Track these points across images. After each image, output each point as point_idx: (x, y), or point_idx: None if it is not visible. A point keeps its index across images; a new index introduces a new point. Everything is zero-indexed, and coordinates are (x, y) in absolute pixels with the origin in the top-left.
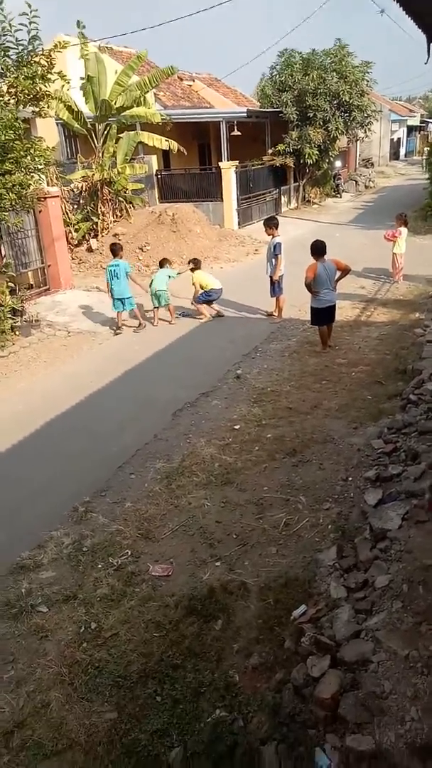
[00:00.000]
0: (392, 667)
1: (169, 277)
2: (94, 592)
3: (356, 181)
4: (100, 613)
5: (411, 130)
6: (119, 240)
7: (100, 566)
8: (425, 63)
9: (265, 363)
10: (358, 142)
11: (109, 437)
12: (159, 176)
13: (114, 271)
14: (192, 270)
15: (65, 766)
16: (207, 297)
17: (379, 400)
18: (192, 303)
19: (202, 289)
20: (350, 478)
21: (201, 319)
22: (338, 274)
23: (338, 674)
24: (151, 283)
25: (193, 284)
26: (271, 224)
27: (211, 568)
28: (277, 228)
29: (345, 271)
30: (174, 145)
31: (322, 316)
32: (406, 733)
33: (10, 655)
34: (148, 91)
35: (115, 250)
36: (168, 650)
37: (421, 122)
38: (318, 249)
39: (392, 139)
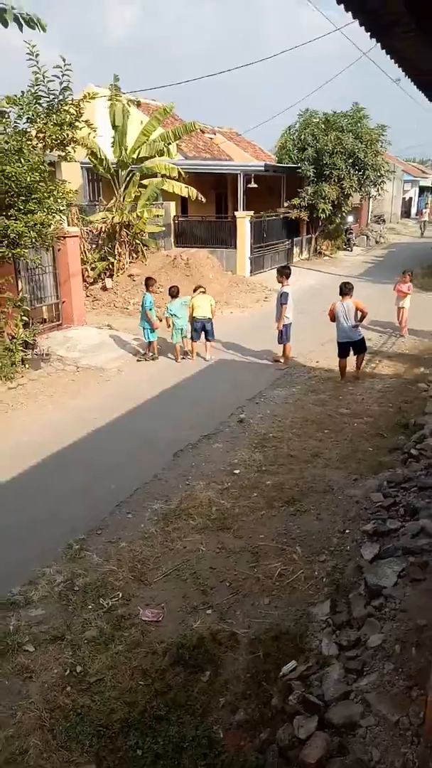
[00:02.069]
0: (381, 733)
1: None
2: (83, 634)
3: (367, 236)
4: (87, 657)
5: (423, 190)
6: (134, 280)
7: (90, 607)
8: None
9: (269, 409)
10: (371, 199)
11: (108, 474)
12: (176, 222)
13: (142, 302)
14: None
15: None
16: (193, 326)
17: (380, 453)
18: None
19: (192, 313)
20: (347, 531)
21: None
22: (359, 314)
23: (325, 737)
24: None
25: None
26: (283, 273)
27: (202, 615)
28: (288, 277)
29: (363, 313)
30: (193, 192)
31: (340, 349)
32: None
33: None
34: (171, 143)
35: (147, 283)
36: (153, 700)
37: None
38: (341, 289)
39: (404, 198)
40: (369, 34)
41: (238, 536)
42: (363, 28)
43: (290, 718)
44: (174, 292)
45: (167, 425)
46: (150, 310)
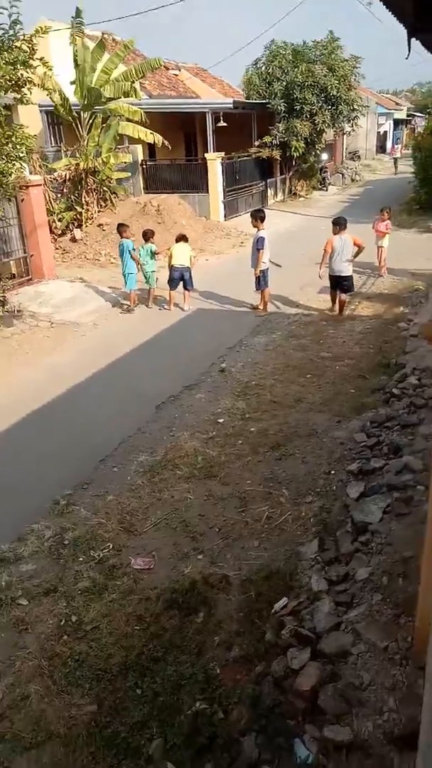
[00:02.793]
0: (371, 659)
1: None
2: (75, 585)
3: (343, 174)
4: (81, 606)
5: (397, 123)
6: (104, 230)
7: (81, 559)
8: (406, 58)
9: (250, 356)
10: (345, 135)
11: (91, 430)
12: (144, 166)
13: (120, 249)
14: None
15: (45, 758)
16: (171, 275)
17: (362, 394)
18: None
19: (170, 262)
20: (333, 472)
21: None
22: (354, 249)
23: (318, 666)
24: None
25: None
26: (257, 216)
27: (193, 561)
28: (263, 221)
29: (359, 247)
30: (159, 138)
31: (332, 281)
32: (383, 723)
33: None
34: (134, 82)
35: (120, 230)
36: (149, 643)
37: (407, 115)
38: (337, 224)
39: (379, 132)
40: None
41: (225, 483)
42: None
43: (284, 651)
44: (148, 235)
45: (147, 378)
46: (133, 250)
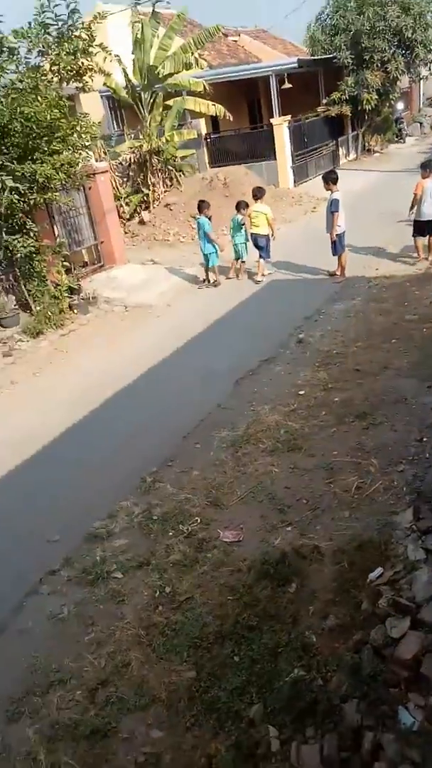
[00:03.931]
0: None
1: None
2: (167, 558)
3: (421, 123)
4: (174, 578)
5: None
6: (171, 210)
7: (170, 534)
8: None
9: (329, 325)
10: (423, 80)
11: (172, 408)
12: (208, 140)
13: (198, 227)
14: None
15: (149, 719)
16: (260, 245)
17: None
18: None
19: (265, 230)
20: (425, 439)
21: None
22: None
23: (419, 635)
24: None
25: (262, 221)
26: (329, 179)
27: (282, 533)
28: (336, 183)
29: None
30: (221, 110)
31: (418, 228)
32: None
33: (90, 619)
34: (193, 54)
35: (200, 207)
36: (243, 612)
37: None
38: (425, 165)
39: None
40: None
41: (311, 455)
42: None
43: (382, 620)
44: (203, 207)
45: (224, 355)
46: (211, 232)
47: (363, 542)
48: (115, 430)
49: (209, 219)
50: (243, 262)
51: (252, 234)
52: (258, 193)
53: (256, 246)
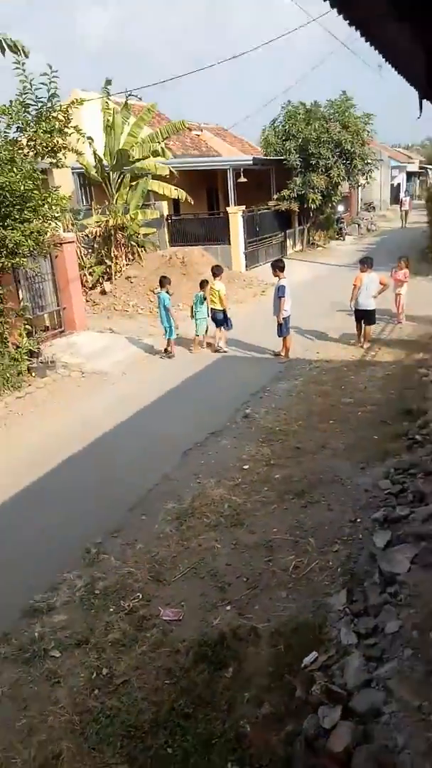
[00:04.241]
0: (405, 719)
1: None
2: (106, 637)
3: (359, 225)
4: (112, 659)
5: (410, 175)
6: (131, 282)
7: (111, 609)
8: (417, 118)
9: (273, 402)
10: (360, 187)
11: (120, 478)
12: (169, 221)
13: (159, 302)
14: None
15: None
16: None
17: (385, 440)
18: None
19: (220, 305)
20: (359, 520)
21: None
22: (379, 287)
23: (350, 726)
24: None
25: (216, 297)
26: (277, 267)
27: (221, 612)
28: (282, 270)
29: (383, 285)
30: (183, 194)
31: (357, 316)
32: None
33: (23, 702)
34: (160, 143)
35: (161, 282)
36: (179, 698)
37: (420, 168)
38: (364, 262)
39: (392, 184)
40: (348, 23)
41: (252, 531)
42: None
43: (314, 708)
44: (164, 283)
45: (174, 424)
46: (171, 307)
47: (299, 624)
48: (61, 497)
49: (169, 294)
50: (200, 337)
51: (211, 309)
52: (216, 271)
53: (214, 320)
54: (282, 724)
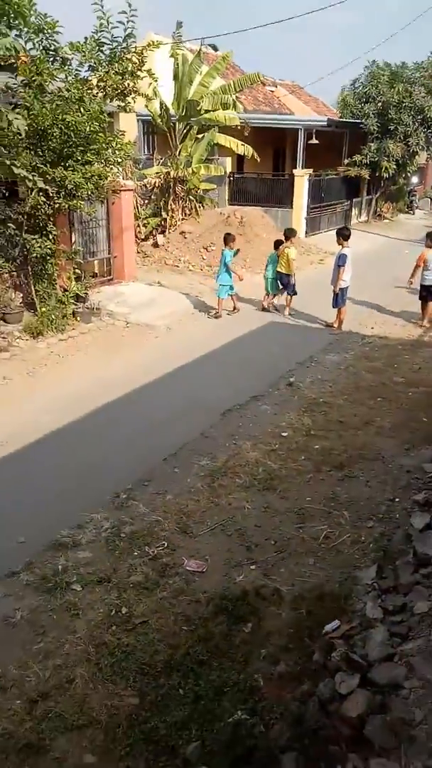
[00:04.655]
0: (425, 696)
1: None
2: (128, 578)
3: (431, 199)
4: (132, 599)
5: None
6: (185, 238)
7: (136, 554)
8: None
9: (320, 373)
10: None
11: (156, 430)
12: (231, 178)
13: (222, 259)
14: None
15: (84, 741)
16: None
17: None
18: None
19: (287, 270)
20: (397, 499)
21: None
22: None
23: (367, 694)
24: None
25: (285, 260)
26: (342, 234)
27: (245, 570)
28: (347, 239)
29: None
30: (249, 150)
31: (424, 292)
32: None
33: (41, 628)
34: (232, 95)
35: (226, 239)
36: (195, 645)
37: None
38: (430, 235)
39: None
40: None
41: (284, 497)
42: None
43: (331, 674)
44: (228, 240)
45: (215, 385)
46: (231, 264)
47: (324, 592)
48: (98, 441)
49: (234, 253)
50: (274, 295)
51: (277, 272)
52: (289, 234)
53: (281, 283)
54: (297, 683)
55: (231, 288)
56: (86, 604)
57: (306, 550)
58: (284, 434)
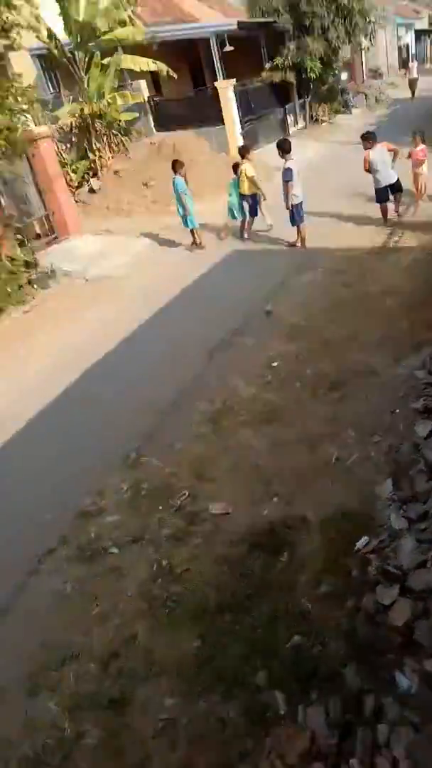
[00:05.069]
0: None
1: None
2: (160, 532)
3: (365, 95)
4: (169, 551)
5: (419, 34)
6: (120, 177)
7: (160, 508)
8: None
9: (295, 296)
10: (364, 51)
11: (147, 382)
12: (152, 104)
13: (174, 188)
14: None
15: (161, 689)
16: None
17: (418, 329)
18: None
19: (248, 190)
20: (398, 410)
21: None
22: (391, 154)
23: (409, 602)
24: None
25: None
26: (281, 147)
27: (268, 504)
28: (289, 152)
29: (395, 152)
30: (163, 67)
31: (380, 194)
32: None
33: (92, 595)
34: (126, 9)
35: (174, 166)
36: (239, 582)
37: (430, 25)
38: (366, 138)
39: (399, 46)
40: None
41: (289, 426)
42: None
43: (372, 587)
44: (176, 167)
45: (193, 324)
46: (184, 194)
47: (347, 512)
48: (91, 406)
49: (185, 179)
50: (238, 220)
51: (240, 194)
52: (242, 151)
53: (248, 205)
54: (342, 601)
55: (191, 221)
56: (128, 564)
57: (322, 475)
58: (274, 364)
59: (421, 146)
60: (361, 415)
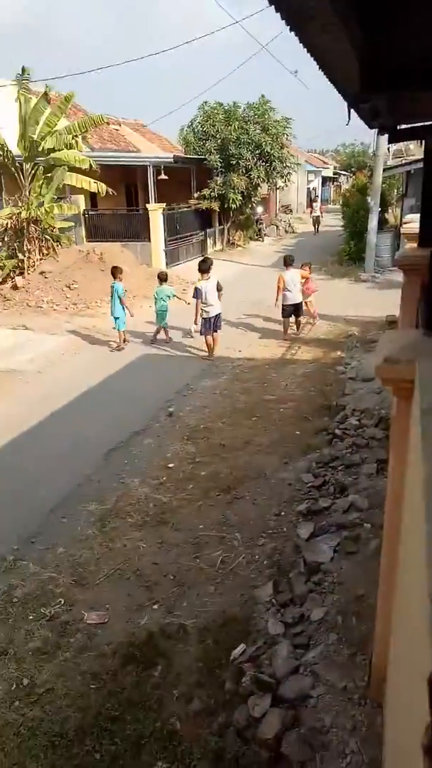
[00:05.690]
0: (331, 701)
1: (169, 296)
2: (26, 646)
3: (277, 226)
4: (33, 668)
5: (325, 180)
6: (46, 278)
7: (31, 617)
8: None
9: (197, 400)
10: (278, 189)
11: (38, 480)
12: (86, 216)
13: (112, 292)
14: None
15: None
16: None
17: (307, 435)
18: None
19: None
20: (283, 513)
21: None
22: (303, 280)
23: (279, 713)
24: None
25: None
26: (199, 267)
27: (148, 611)
28: (207, 272)
29: (306, 278)
30: (102, 187)
31: (286, 311)
32: (347, 767)
33: None
34: (77, 136)
35: (113, 272)
36: (106, 702)
37: (333, 173)
38: (285, 261)
39: (308, 188)
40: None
41: (178, 529)
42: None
43: (245, 699)
44: (116, 272)
45: (95, 424)
46: (124, 297)
47: (227, 619)
48: None
49: (121, 285)
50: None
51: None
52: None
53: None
54: (213, 717)
55: (122, 323)
56: None
57: (205, 579)
58: (170, 465)
59: (309, 279)
60: (249, 518)
